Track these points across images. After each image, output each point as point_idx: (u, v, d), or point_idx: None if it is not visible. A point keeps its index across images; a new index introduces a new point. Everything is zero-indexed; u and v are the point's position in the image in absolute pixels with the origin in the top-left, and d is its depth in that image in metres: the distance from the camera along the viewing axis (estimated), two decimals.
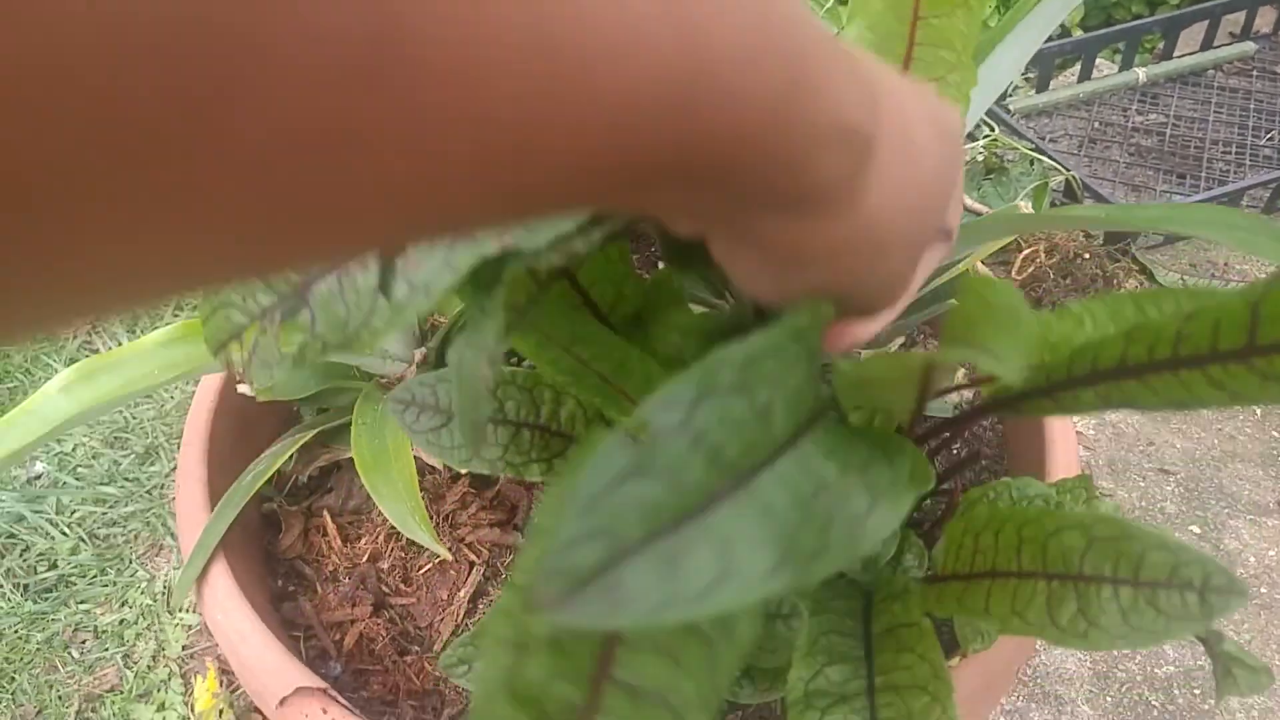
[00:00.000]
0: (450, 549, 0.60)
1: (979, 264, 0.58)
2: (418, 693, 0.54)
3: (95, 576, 1.23)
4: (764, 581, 0.21)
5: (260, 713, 1.21)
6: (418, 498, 0.51)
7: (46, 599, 1.23)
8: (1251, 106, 1.28)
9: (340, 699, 0.48)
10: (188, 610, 1.22)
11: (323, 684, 0.48)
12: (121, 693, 1.15)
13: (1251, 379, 0.23)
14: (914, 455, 0.32)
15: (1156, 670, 0.85)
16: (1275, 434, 1.01)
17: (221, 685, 1.16)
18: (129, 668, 1.18)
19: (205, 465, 0.56)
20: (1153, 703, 0.84)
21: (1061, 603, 0.29)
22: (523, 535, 0.60)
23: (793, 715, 0.34)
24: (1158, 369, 0.25)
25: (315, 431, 0.58)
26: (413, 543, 0.60)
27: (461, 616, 0.57)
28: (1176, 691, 0.84)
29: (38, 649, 1.19)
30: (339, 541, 0.61)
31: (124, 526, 1.25)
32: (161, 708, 1.14)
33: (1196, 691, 0.84)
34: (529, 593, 0.19)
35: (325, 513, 0.62)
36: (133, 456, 1.31)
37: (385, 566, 0.59)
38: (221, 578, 0.52)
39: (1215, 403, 0.24)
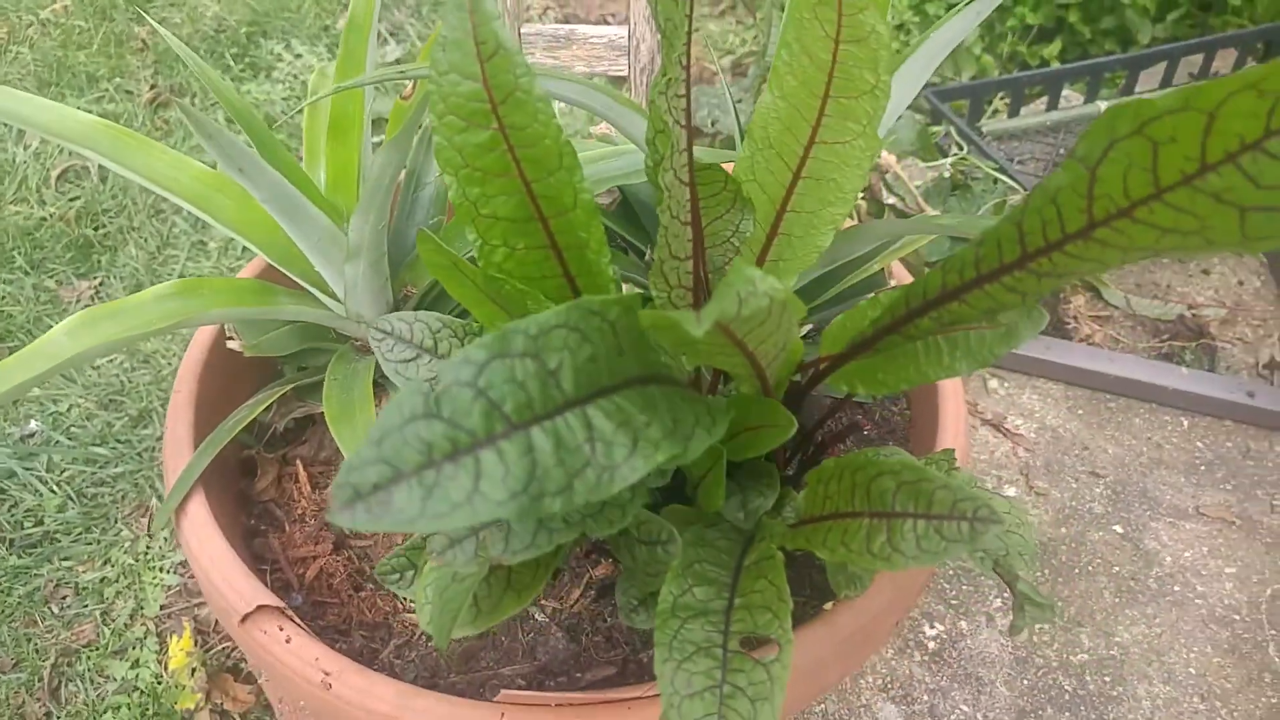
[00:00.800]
0: None
1: (895, 263, 0.64)
2: (369, 624, 0.60)
3: (80, 534, 1.28)
4: (495, 509, 0.26)
5: (232, 674, 1.26)
6: None
7: (30, 554, 1.28)
8: None
9: (296, 619, 0.54)
10: (168, 571, 1.27)
11: (281, 603, 0.53)
12: (98, 648, 1.20)
13: (1031, 279, 0.29)
14: (768, 418, 0.38)
15: (1072, 657, 0.91)
16: (1200, 444, 1.07)
17: (196, 645, 1.21)
18: (107, 625, 1.23)
19: (192, 409, 0.62)
20: (1065, 687, 0.90)
21: (876, 535, 0.35)
22: None
23: (658, 623, 0.40)
24: (968, 287, 0.31)
25: (292, 386, 0.64)
26: None
27: None
28: (1089, 677, 0.90)
29: (18, 603, 1.24)
30: (309, 488, 0.66)
31: (112, 486, 1.30)
32: (136, 664, 1.19)
33: (1107, 678, 0.90)
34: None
35: (298, 461, 0.68)
36: (126, 419, 1.36)
37: None
38: (199, 509, 0.57)
39: (1014, 304, 0.31)
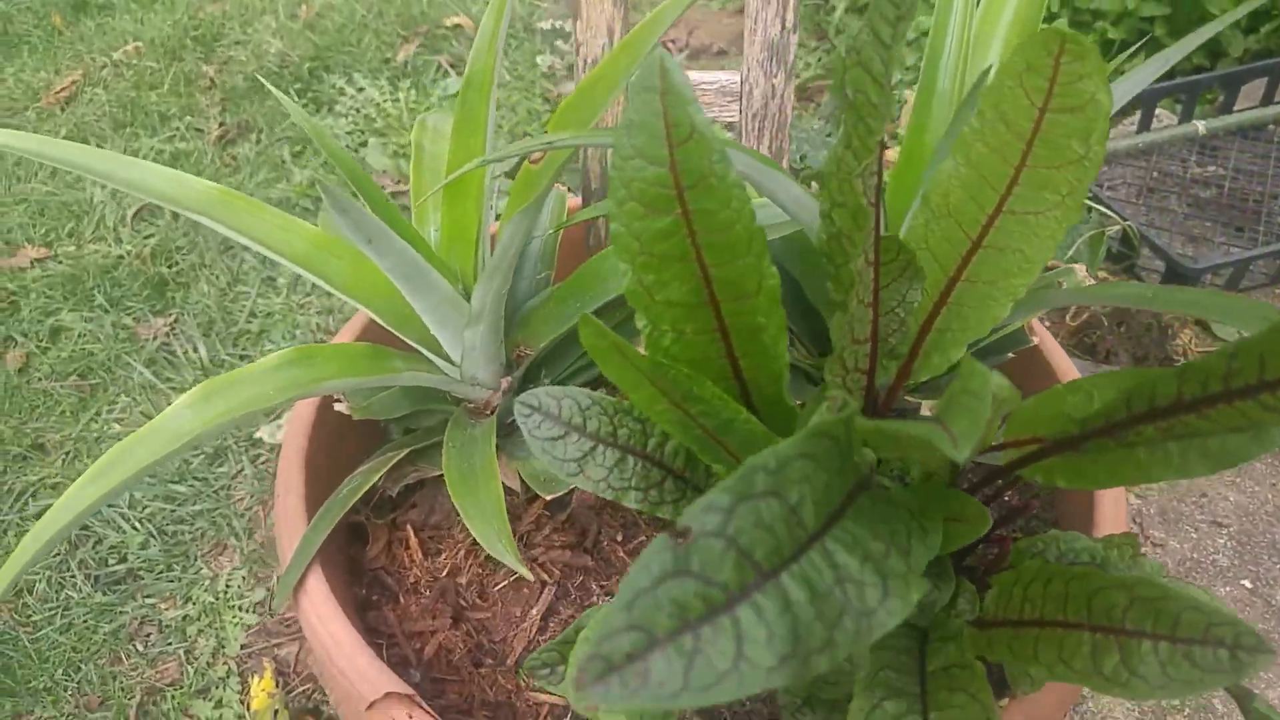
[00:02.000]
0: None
1: (1034, 321, 0.60)
2: (491, 704, 0.58)
3: (162, 571, 1.28)
4: (767, 677, 0.23)
5: (313, 716, 1.25)
6: (504, 519, 0.54)
7: (115, 591, 1.28)
8: None
9: (425, 707, 0.52)
10: (247, 610, 1.26)
11: (411, 690, 0.51)
12: (181, 687, 1.20)
13: None
14: (956, 512, 0.35)
15: None
16: None
17: (278, 685, 1.20)
18: (189, 663, 1.23)
19: (303, 477, 0.60)
20: None
21: (1106, 653, 0.32)
22: (592, 559, 0.63)
23: None
24: (1213, 401, 0.28)
25: (408, 450, 0.62)
26: (490, 559, 0.64)
27: (534, 633, 0.60)
28: None
29: (104, 640, 1.24)
30: (420, 555, 0.64)
31: (191, 524, 1.30)
32: (219, 704, 1.18)
33: None
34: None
35: (409, 527, 0.65)
36: (202, 457, 1.36)
37: (464, 581, 0.63)
38: (318, 585, 0.55)
39: (1273, 423, 0.27)
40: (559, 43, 1.95)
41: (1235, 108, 1.37)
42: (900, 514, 0.33)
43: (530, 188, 0.52)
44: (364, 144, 1.74)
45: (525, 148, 0.44)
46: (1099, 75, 0.34)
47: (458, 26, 1.99)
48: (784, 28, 0.63)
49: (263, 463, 1.40)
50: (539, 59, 1.90)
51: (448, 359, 0.61)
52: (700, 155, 0.33)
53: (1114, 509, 0.55)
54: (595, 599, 0.61)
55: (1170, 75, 1.68)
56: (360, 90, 1.81)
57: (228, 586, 1.29)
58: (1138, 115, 1.38)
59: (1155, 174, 1.32)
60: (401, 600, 0.62)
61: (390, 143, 1.73)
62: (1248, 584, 0.94)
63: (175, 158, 1.71)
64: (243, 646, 1.24)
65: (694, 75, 0.68)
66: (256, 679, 1.20)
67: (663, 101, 0.33)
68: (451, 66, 1.90)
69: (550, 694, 0.58)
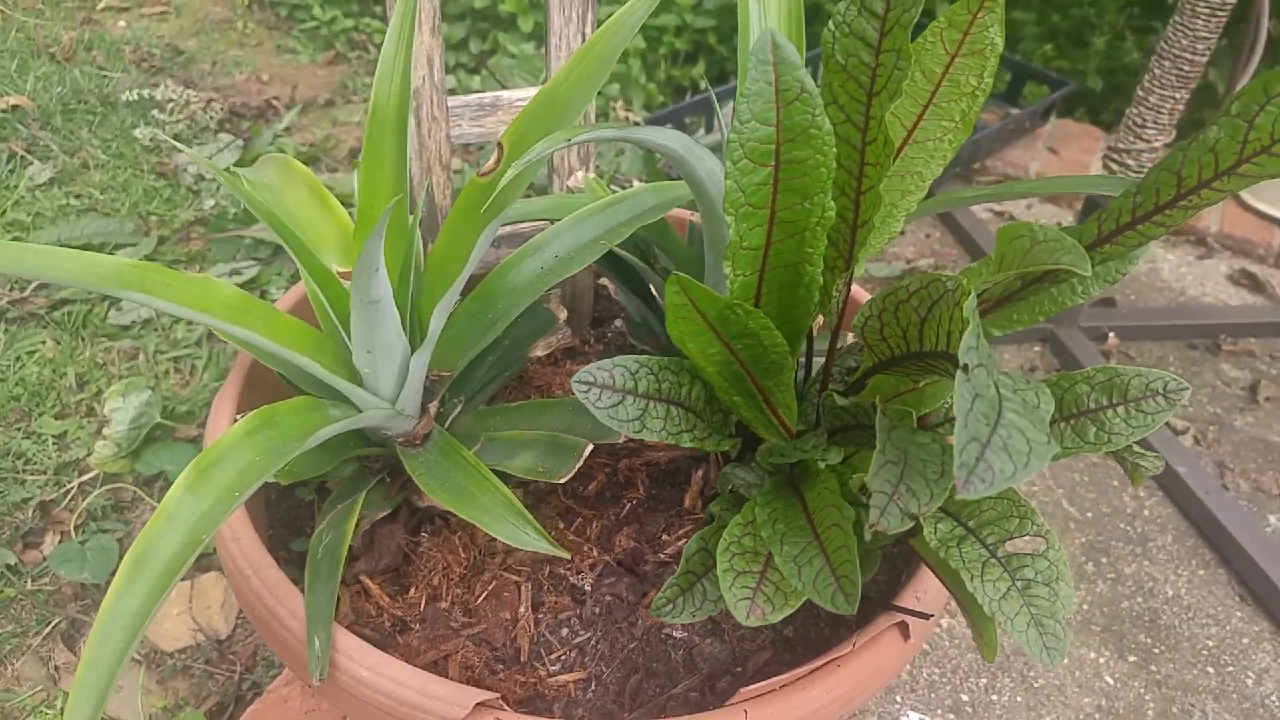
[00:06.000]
0: (491, 576, 0.65)
1: None
2: (523, 700, 0.60)
3: None
4: (1041, 461, 0.35)
5: None
6: (521, 510, 0.57)
7: None
8: None
9: (507, 706, 0.53)
10: None
11: (496, 694, 0.52)
12: None
13: (1179, 213, 0.43)
14: None
15: None
16: None
17: None
18: None
19: (269, 552, 0.56)
20: None
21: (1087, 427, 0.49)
22: None
23: (944, 553, 0.50)
24: (1123, 230, 0.45)
25: (364, 493, 0.60)
26: (463, 578, 0.64)
27: (534, 627, 0.63)
28: None
29: None
30: (387, 599, 0.63)
31: None
32: None
33: None
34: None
35: (362, 578, 0.63)
36: None
37: (444, 606, 0.63)
38: (351, 642, 0.53)
39: (1158, 235, 0.45)
40: (154, 112, 1.78)
41: None
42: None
43: (480, 203, 0.55)
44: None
45: (595, 136, 0.48)
46: (999, 22, 0.49)
47: (16, 108, 1.71)
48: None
49: None
50: (137, 132, 1.72)
51: (375, 394, 0.61)
52: (804, 112, 0.42)
53: None
54: (570, 579, 0.66)
55: (720, 73, 2.07)
56: None
57: None
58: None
59: None
60: (400, 640, 0.60)
61: None
62: None
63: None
64: None
65: (507, 95, 0.75)
66: None
67: (775, 70, 0.41)
68: (29, 152, 1.62)
69: (569, 675, 0.62)
